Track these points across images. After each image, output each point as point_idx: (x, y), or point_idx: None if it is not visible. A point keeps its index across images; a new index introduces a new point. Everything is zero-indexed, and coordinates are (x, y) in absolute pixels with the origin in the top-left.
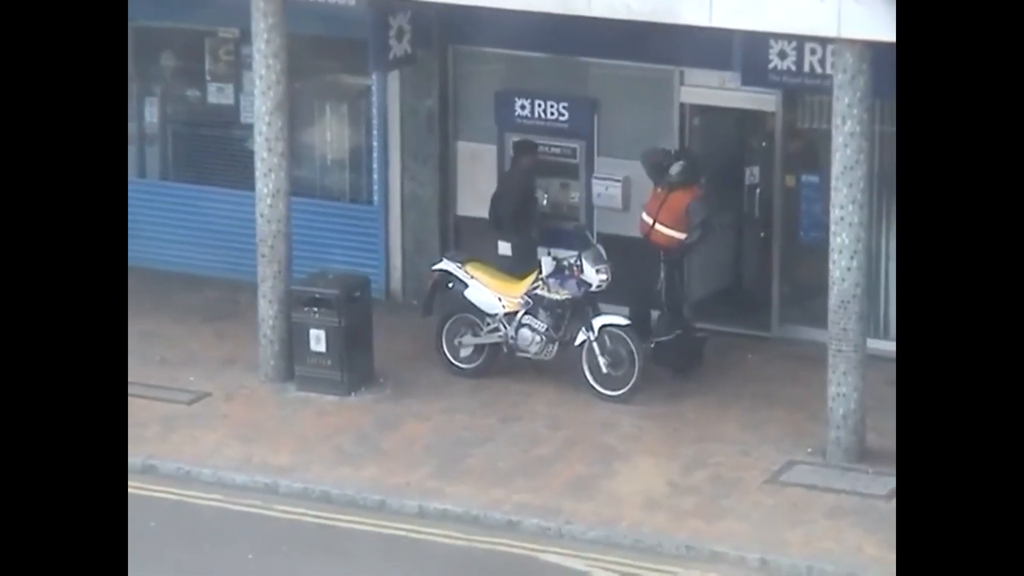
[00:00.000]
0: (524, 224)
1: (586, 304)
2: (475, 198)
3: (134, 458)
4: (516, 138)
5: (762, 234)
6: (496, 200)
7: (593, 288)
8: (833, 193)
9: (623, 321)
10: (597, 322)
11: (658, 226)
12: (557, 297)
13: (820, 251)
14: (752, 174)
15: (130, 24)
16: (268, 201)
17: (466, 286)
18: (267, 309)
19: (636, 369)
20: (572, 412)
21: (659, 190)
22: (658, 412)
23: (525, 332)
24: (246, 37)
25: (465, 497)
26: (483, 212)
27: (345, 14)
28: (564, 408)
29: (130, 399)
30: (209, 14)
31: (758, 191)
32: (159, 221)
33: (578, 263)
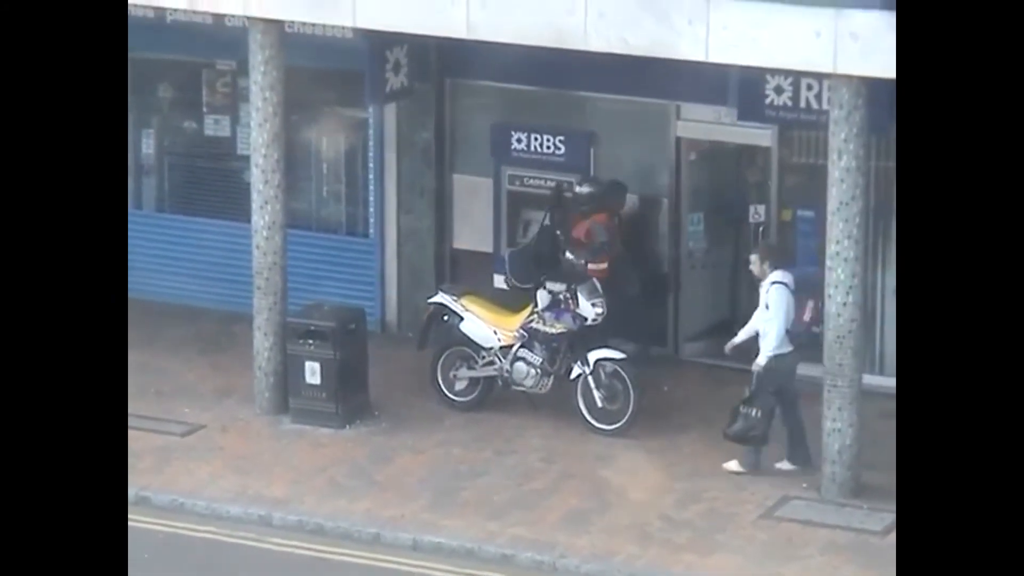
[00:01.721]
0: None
1: (581, 337)
2: (471, 231)
3: (128, 489)
4: (510, 171)
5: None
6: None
7: (589, 321)
8: (829, 228)
9: (619, 355)
10: (592, 356)
11: (568, 255)
12: (552, 331)
13: (815, 286)
14: (757, 212)
15: (128, 56)
16: (264, 233)
17: (461, 319)
18: (262, 341)
19: (632, 403)
20: (567, 446)
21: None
22: (653, 446)
23: (520, 365)
24: (243, 69)
25: (460, 530)
26: (480, 245)
27: (342, 47)
28: (559, 441)
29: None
30: (206, 47)
31: (761, 229)
32: (155, 253)
33: (573, 296)
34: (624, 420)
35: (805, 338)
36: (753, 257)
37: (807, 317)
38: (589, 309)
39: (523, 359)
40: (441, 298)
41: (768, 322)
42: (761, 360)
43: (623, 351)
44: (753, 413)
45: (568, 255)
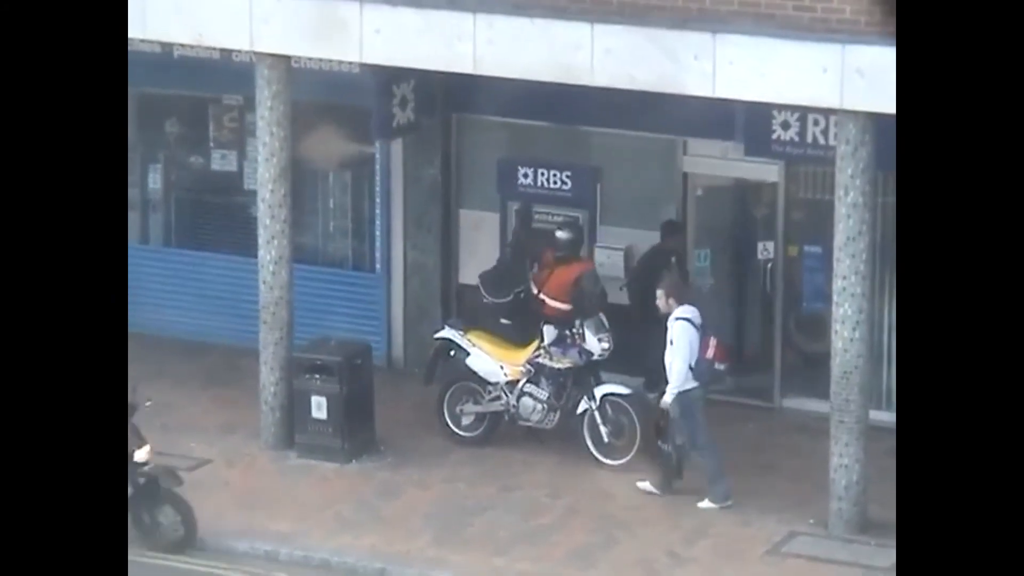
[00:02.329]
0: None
1: (588, 372)
2: (477, 266)
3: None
4: (516, 206)
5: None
6: (633, 277)
7: (595, 356)
8: (836, 264)
9: (625, 390)
10: (599, 391)
11: (543, 296)
12: (559, 366)
13: (822, 321)
14: (765, 249)
15: (135, 91)
16: (271, 268)
17: (468, 354)
18: (268, 376)
19: (638, 438)
20: (573, 481)
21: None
22: (659, 481)
23: (527, 401)
24: (250, 104)
25: (466, 566)
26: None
27: (349, 82)
28: (565, 477)
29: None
30: (213, 81)
31: (769, 266)
32: (162, 287)
33: (580, 331)
34: (631, 455)
35: (708, 375)
36: (659, 292)
37: (710, 353)
38: (595, 344)
39: (529, 394)
40: (448, 333)
41: (672, 358)
42: (668, 397)
43: (629, 386)
44: (667, 448)
45: (545, 297)
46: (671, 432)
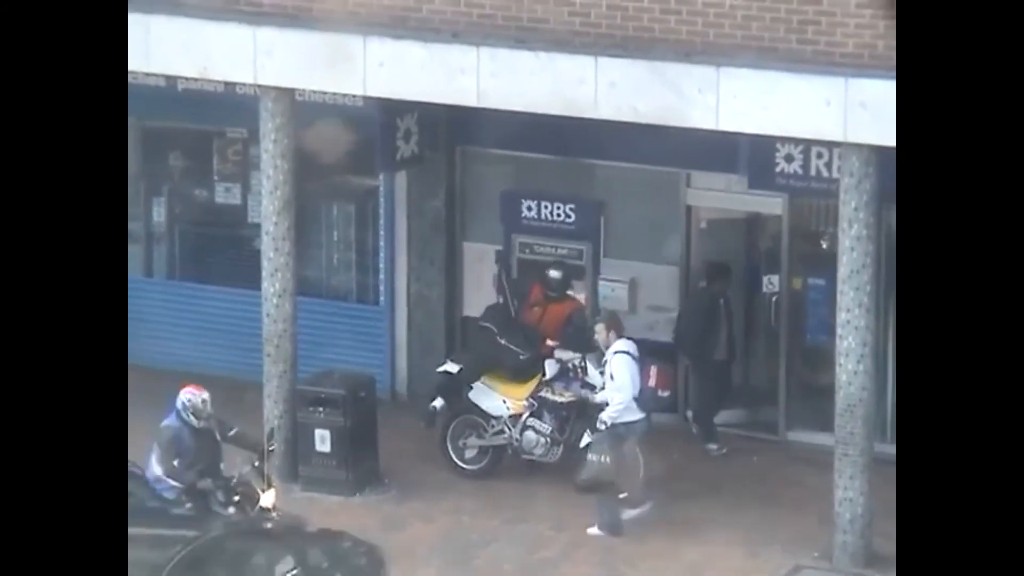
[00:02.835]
0: (709, 346)
1: (591, 406)
2: (481, 299)
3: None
4: (520, 239)
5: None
6: (680, 319)
7: (597, 390)
8: (840, 296)
9: None
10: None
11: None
12: (562, 399)
13: (826, 354)
14: (771, 282)
15: (138, 123)
16: (274, 301)
17: (471, 388)
18: (272, 409)
19: (641, 471)
20: (577, 514)
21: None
22: (663, 514)
23: (530, 435)
24: (254, 137)
25: None
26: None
27: (353, 115)
28: (569, 509)
29: None
30: (217, 114)
31: (774, 299)
32: (165, 320)
33: (582, 364)
34: (635, 488)
35: (652, 403)
36: (599, 327)
37: (652, 382)
38: (598, 377)
39: (532, 428)
40: (450, 367)
41: (615, 391)
42: (606, 417)
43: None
44: (601, 459)
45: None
46: (604, 441)
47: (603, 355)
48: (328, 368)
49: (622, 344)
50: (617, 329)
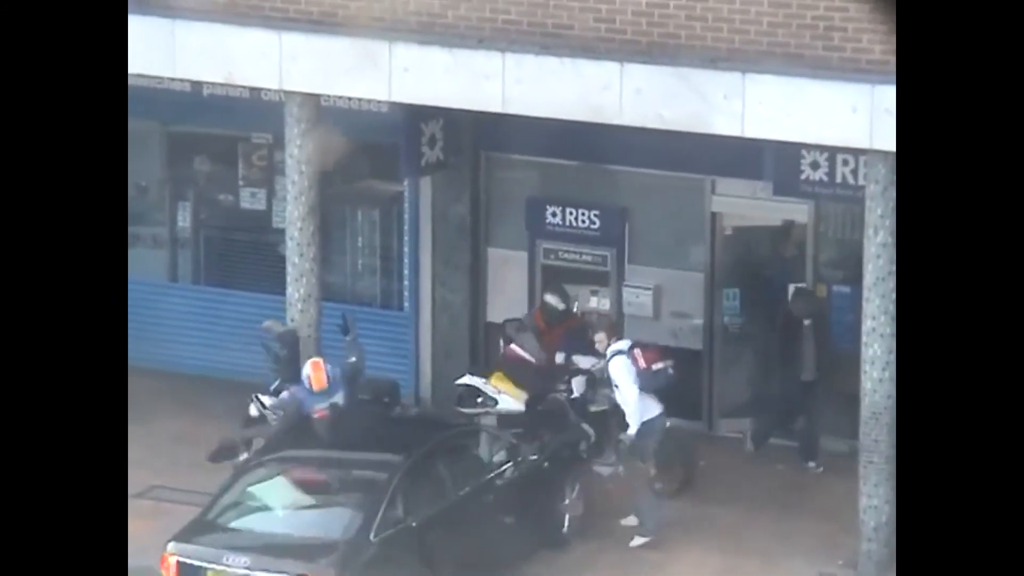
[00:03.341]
0: (794, 368)
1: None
2: (506, 305)
3: (158, 563)
4: (545, 244)
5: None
6: (778, 347)
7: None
8: (865, 304)
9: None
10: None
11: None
12: (595, 409)
13: (851, 361)
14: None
15: (164, 129)
16: (299, 306)
17: (496, 401)
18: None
19: (684, 468)
20: (600, 520)
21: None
22: (687, 521)
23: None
24: (279, 143)
25: None
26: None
27: (378, 120)
28: (592, 517)
29: (157, 503)
30: (243, 120)
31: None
32: (190, 325)
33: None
34: (677, 486)
35: (660, 382)
36: (599, 336)
37: (642, 363)
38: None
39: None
40: (470, 380)
41: (622, 395)
42: (631, 431)
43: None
44: (637, 464)
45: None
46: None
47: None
48: None
49: (616, 345)
50: (616, 334)
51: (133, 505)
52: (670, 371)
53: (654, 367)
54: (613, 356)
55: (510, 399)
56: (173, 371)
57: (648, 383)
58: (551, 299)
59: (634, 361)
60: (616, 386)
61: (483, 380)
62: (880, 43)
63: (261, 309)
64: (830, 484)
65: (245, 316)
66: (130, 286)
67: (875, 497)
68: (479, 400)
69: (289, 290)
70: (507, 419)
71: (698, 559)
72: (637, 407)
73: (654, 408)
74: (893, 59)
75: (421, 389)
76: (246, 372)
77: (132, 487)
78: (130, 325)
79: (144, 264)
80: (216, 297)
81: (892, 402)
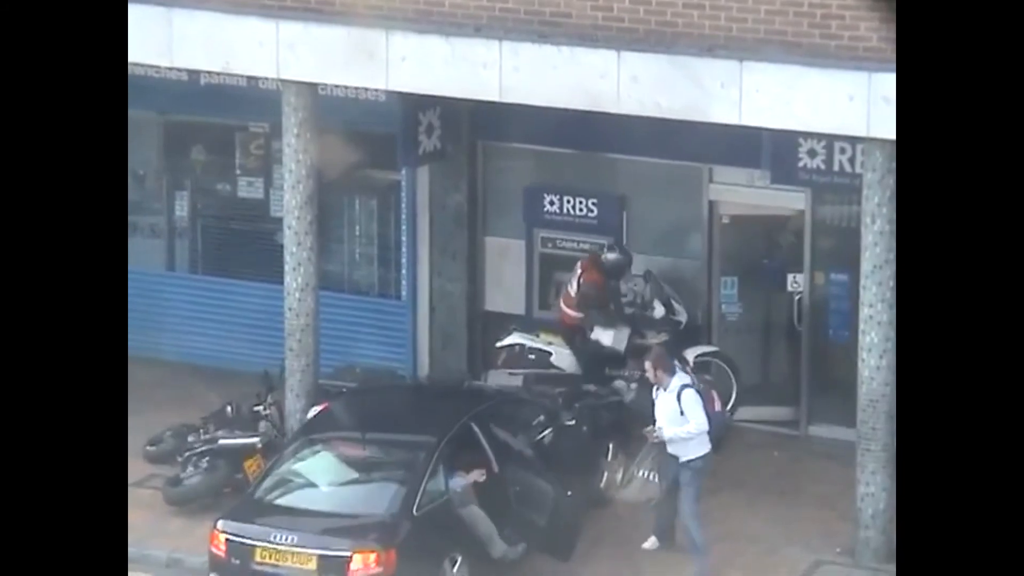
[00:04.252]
0: None
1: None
2: (503, 293)
3: (159, 552)
4: (542, 233)
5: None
6: None
7: (682, 326)
8: (862, 292)
9: (712, 348)
10: (689, 354)
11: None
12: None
13: (849, 349)
14: (796, 281)
15: (161, 118)
16: (297, 295)
17: (550, 354)
18: (295, 403)
19: (735, 388)
20: (596, 508)
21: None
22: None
23: (619, 384)
24: (276, 132)
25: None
26: (511, 308)
27: (375, 109)
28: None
29: (156, 492)
30: (240, 109)
31: (798, 299)
32: (188, 314)
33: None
34: (731, 403)
35: (723, 428)
36: (648, 364)
37: (717, 407)
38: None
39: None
40: (518, 338)
41: (691, 426)
42: (692, 460)
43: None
44: (649, 476)
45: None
46: (679, 501)
47: (655, 389)
48: (350, 362)
49: (684, 378)
50: (665, 367)
51: (132, 494)
52: (728, 415)
53: (727, 414)
54: (683, 389)
55: (564, 352)
56: (171, 360)
57: (713, 424)
58: (608, 255)
59: (708, 401)
60: (682, 413)
61: (532, 336)
62: (878, 31)
63: (259, 298)
64: (827, 472)
65: (243, 305)
66: (128, 275)
67: (872, 485)
68: (531, 358)
69: (287, 279)
70: (558, 379)
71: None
72: (700, 439)
73: (706, 445)
74: (891, 47)
75: (418, 378)
76: (243, 361)
77: (131, 476)
78: (128, 315)
79: (142, 253)
80: (214, 286)
81: (890, 390)
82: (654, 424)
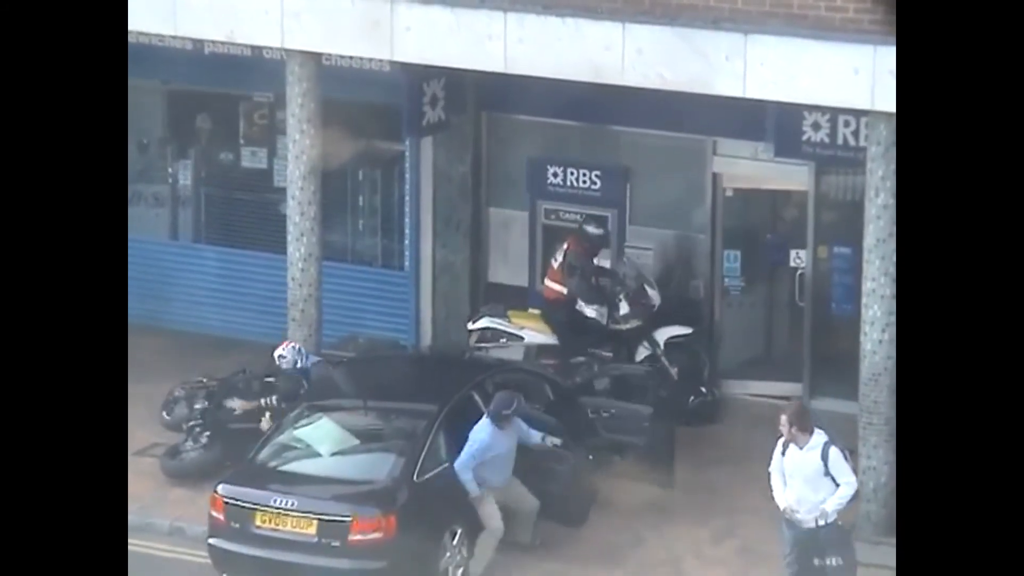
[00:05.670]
0: None
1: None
2: (506, 265)
3: (162, 520)
4: (545, 205)
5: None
6: None
7: (654, 309)
8: (865, 265)
9: (686, 330)
10: (660, 335)
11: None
12: (625, 327)
13: (851, 323)
14: (798, 256)
15: (165, 87)
16: (300, 265)
17: (521, 338)
18: None
19: (706, 371)
20: (601, 478)
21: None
22: (687, 481)
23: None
24: (280, 102)
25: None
26: (514, 279)
27: (380, 80)
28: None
29: (157, 461)
30: (244, 79)
31: (799, 274)
32: (191, 283)
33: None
34: (703, 385)
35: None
36: (783, 418)
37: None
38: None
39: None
40: (489, 322)
41: (843, 485)
42: (832, 514)
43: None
44: (834, 562)
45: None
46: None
47: (783, 445)
48: (353, 333)
49: (823, 435)
50: (803, 425)
51: (133, 463)
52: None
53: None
54: (827, 447)
55: (536, 333)
56: (173, 329)
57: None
58: (590, 228)
59: (846, 459)
60: (826, 475)
61: (501, 320)
62: (882, 4)
63: (262, 268)
64: None
65: (246, 275)
66: (131, 244)
67: (874, 458)
68: (502, 341)
69: (290, 249)
70: (542, 350)
71: (698, 520)
72: (851, 494)
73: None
74: (895, 20)
75: (421, 348)
76: (246, 331)
77: (132, 445)
78: (130, 283)
79: (145, 222)
80: (217, 256)
81: (892, 363)
82: None
